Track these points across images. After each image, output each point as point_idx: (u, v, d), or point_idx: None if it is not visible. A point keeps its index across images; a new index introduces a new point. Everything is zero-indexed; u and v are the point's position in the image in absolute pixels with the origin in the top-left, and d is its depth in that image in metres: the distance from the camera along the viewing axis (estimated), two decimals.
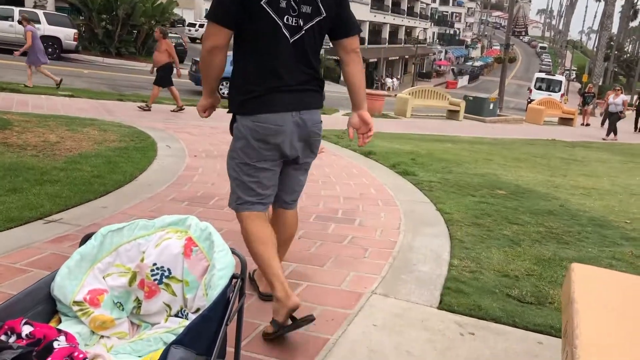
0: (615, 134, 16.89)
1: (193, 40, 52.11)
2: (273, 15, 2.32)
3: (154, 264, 1.71)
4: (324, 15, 2.45)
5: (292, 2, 2.36)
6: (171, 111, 10.98)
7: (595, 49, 54.25)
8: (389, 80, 50.10)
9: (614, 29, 65.73)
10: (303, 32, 2.40)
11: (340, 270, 3.28)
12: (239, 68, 2.44)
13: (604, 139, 16.54)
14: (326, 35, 2.58)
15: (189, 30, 53.77)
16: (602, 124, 21.26)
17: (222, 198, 4.72)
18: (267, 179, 2.53)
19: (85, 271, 1.68)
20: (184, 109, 11.16)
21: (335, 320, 2.64)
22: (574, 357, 1.39)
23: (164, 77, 10.79)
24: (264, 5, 2.29)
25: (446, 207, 5.08)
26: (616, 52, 65.54)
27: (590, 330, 1.52)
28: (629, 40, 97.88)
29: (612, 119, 17.22)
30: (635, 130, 20.58)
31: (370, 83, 50.13)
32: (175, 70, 10.96)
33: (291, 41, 2.38)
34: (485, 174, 7.26)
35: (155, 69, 10.86)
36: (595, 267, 2.02)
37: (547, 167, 8.77)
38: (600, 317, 1.61)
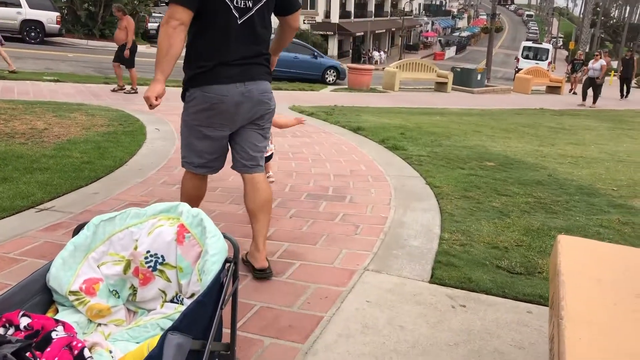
0: (595, 100, 16.62)
1: None
2: (226, 3, 2.59)
3: (148, 252, 1.73)
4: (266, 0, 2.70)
5: None
6: (112, 90, 10.62)
7: (581, 16, 54.07)
8: (376, 54, 49.77)
9: None
10: (253, 12, 2.67)
11: (332, 248, 3.32)
12: (193, 46, 2.70)
13: (579, 105, 16.36)
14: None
15: None
16: (584, 90, 21.09)
17: (214, 180, 4.72)
18: (211, 147, 2.83)
19: (79, 261, 1.70)
20: (124, 88, 10.71)
21: (329, 297, 2.68)
22: (560, 328, 1.43)
23: (127, 57, 10.50)
24: None
25: (436, 180, 5.12)
26: (602, 18, 65.41)
27: (576, 301, 1.56)
28: (614, 5, 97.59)
29: (585, 83, 16.92)
30: (621, 97, 20.38)
31: (357, 57, 49.82)
32: (126, 50, 10.52)
33: (240, 21, 2.65)
34: (474, 146, 7.30)
35: (119, 47, 10.56)
36: (581, 239, 2.07)
37: (536, 137, 8.83)
38: (585, 288, 1.65)
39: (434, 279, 2.97)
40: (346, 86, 17.24)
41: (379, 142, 7.06)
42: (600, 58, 16.61)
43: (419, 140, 7.43)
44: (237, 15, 2.63)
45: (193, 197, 2.95)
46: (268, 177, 4.66)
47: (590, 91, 16.67)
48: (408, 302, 2.70)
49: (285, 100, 11.16)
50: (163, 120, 7.48)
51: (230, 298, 1.77)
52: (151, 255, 1.73)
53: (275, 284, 2.80)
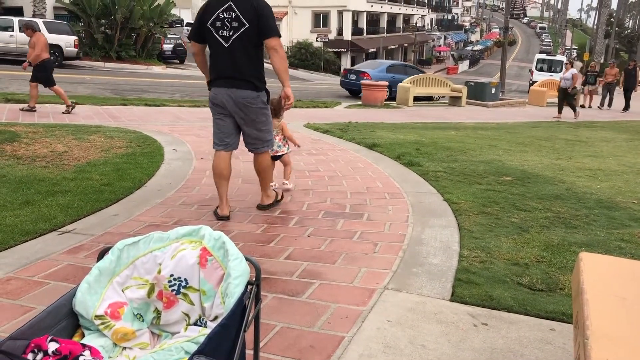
0: (574, 111, 15.75)
1: None
2: (213, 32, 3.93)
3: (171, 275, 1.75)
4: (247, 26, 3.86)
5: (225, 21, 3.88)
6: (63, 112, 9.82)
7: (595, 27, 53.83)
8: None
9: (613, 5, 65.25)
10: (234, 38, 3.89)
11: (351, 267, 3.32)
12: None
13: (554, 118, 15.51)
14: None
15: (188, 30, 53.77)
16: (602, 102, 20.31)
17: (232, 200, 4.75)
18: (223, 127, 4.21)
19: (104, 285, 1.72)
20: (34, 109, 9.73)
21: (350, 317, 2.68)
22: (586, 349, 1.42)
23: (45, 76, 9.65)
24: (209, 26, 3.93)
25: (453, 196, 5.11)
26: (616, 29, 65.03)
27: (601, 320, 1.55)
28: (629, 15, 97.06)
29: (560, 95, 15.82)
30: (603, 107, 19.65)
31: None
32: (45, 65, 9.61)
33: (226, 46, 3.92)
34: (491, 160, 7.28)
35: (33, 65, 9.51)
36: (603, 256, 2.05)
37: (552, 150, 8.77)
38: (610, 306, 1.64)
39: (455, 297, 2.95)
40: (360, 102, 17.30)
41: (394, 159, 7.07)
42: (572, 67, 15.92)
43: (434, 155, 7.42)
44: (223, 42, 3.92)
45: (217, 174, 4.26)
46: (283, 184, 4.92)
47: (597, 98, 16.42)
48: (429, 321, 2.69)
49: (300, 118, 11.23)
50: (180, 141, 7.56)
51: (253, 320, 1.78)
52: (175, 279, 1.75)
53: (295, 304, 2.80)
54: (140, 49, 28.86)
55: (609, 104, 19.67)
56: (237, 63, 3.91)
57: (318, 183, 5.54)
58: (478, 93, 19.44)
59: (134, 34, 28.49)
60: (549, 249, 3.74)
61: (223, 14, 3.87)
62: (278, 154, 4.86)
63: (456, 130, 11.05)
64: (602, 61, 40.53)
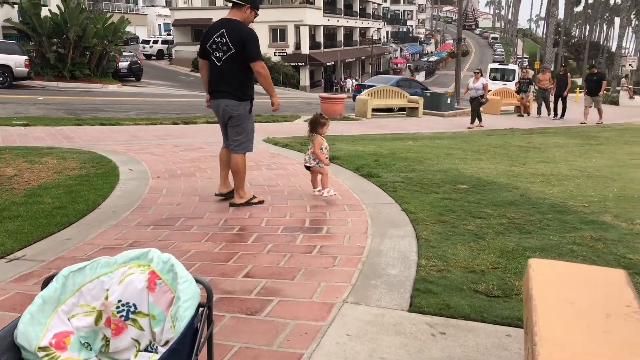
0: (480, 120, 15.62)
1: (148, 57, 51.55)
2: (210, 53, 4.87)
3: (119, 301, 1.70)
4: (234, 50, 4.76)
5: (219, 45, 4.80)
6: None
7: (544, 36, 55.67)
8: (348, 82, 50.41)
9: (560, 15, 67.69)
10: (222, 61, 4.82)
11: (310, 282, 3.30)
12: None
13: (469, 127, 15.21)
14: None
15: (144, 48, 53.18)
16: (538, 109, 19.68)
17: (189, 218, 4.70)
18: (221, 129, 5.27)
19: (49, 315, 1.66)
20: None
21: (309, 333, 2.66)
22: (534, 354, 1.45)
23: None
24: (207, 47, 4.88)
25: (411, 206, 5.16)
26: (564, 38, 67.40)
27: (549, 325, 1.58)
28: (575, 24, 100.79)
29: (473, 104, 15.67)
30: (554, 116, 18.85)
31: (329, 86, 50.37)
32: None
33: (218, 65, 4.86)
34: (447, 169, 7.40)
35: None
36: (551, 261, 2.10)
37: (507, 157, 8.98)
38: (557, 311, 1.67)
39: (413, 308, 2.97)
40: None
41: (353, 171, 7.10)
42: (481, 76, 15.74)
43: (393, 166, 7.50)
44: (216, 62, 4.86)
45: (223, 161, 5.28)
46: (319, 192, 5.58)
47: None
48: (388, 333, 2.69)
49: (259, 132, 11.10)
50: (136, 160, 7.43)
51: (205, 343, 1.75)
52: (123, 305, 1.70)
53: (253, 322, 2.77)
54: (94, 68, 28.36)
55: (548, 110, 19.32)
56: (225, 79, 4.86)
57: (277, 198, 5.51)
58: (434, 103, 19.78)
59: (87, 53, 27.98)
60: (504, 255, 3.81)
61: (218, 39, 4.78)
62: (306, 165, 5.58)
63: (414, 141, 11.20)
64: (552, 69, 41.87)
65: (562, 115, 18.69)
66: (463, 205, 5.25)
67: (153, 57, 52.46)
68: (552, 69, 42.83)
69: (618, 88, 38.65)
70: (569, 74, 18.82)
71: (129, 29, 36.34)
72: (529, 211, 5.10)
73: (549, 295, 1.76)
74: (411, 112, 19.21)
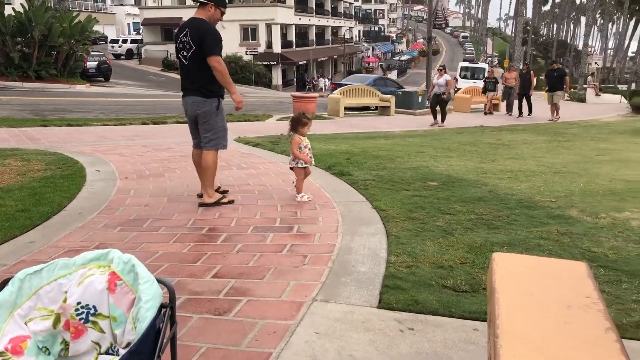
0: (443, 119, 15.34)
1: (117, 57, 50.78)
2: (178, 52, 5.01)
3: (78, 303, 1.66)
4: (194, 48, 4.82)
5: (184, 44, 4.87)
6: None
7: (513, 35, 56.56)
8: (320, 81, 50.45)
9: (529, 14, 68.88)
10: (187, 59, 4.91)
11: (280, 281, 3.29)
12: None
13: (432, 125, 15.10)
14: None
15: (113, 47, 52.37)
16: (432, 108, 17.99)
17: (157, 219, 4.63)
18: (189, 128, 5.27)
19: (4, 319, 1.61)
20: None
21: (277, 332, 2.64)
22: (496, 347, 1.46)
23: None
24: (177, 47, 4.99)
25: (382, 204, 5.18)
26: (533, 36, 68.61)
27: (511, 318, 1.60)
28: (543, 23, 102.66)
29: (434, 101, 15.40)
30: (519, 114, 18.78)
31: (302, 85, 50.35)
32: None
33: (185, 64, 4.96)
34: (418, 166, 7.45)
35: None
36: (514, 255, 2.13)
37: (476, 154, 9.08)
38: (519, 303, 1.69)
39: (382, 304, 2.98)
40: (292, 114, 17.33)
41: (325, 169, 7.09)
42: (445, 73, 15.34)
43: (364, 164, 7.52)
44: (183, 60, 4.96)
45: (196, 164, 5.27)
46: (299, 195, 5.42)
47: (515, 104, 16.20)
48: (357, 330, 2.69)
49: (230, 132, 11.07)
50: (104, 161, 7.30)
51: (168, 344, 1.72)
52: (82, 307, 1.66)
53: (222, 323, 2.74)
54: (61, 68, 27.79)
55: (514, 109, 19.27)
56: (191, 76, 4.95)
57: (248, 197, 5.48)
58: (406, 102, 19.90)
59: (54, 52, 27.40)
60: (472, 251, 3.85)
61: (183, 38, 4.88)
62: (289, 166, 5.50)
63: (386, 139, 11.26)
64: (520, 67, 42.57)
65: (530, 112, 18.77)
66: (433, 202, 5.29)
67: (122, 57, 51.68)
68: (520, 66, 43.56)
69: (585, 86, 39.52)
70: (532, 72, 18.86)
71: (97, 28, 35.78)
72: (497, 207, 5.17)
73: (511, 288, 1.78)
74: (383, 110, 19.30)
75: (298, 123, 5.39)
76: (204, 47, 4.78)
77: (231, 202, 5.23)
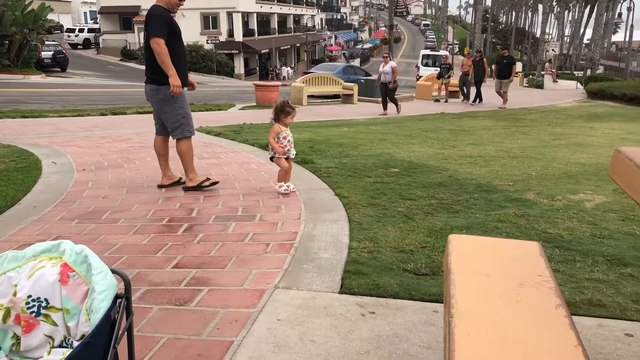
0: (397, 107, 14.85)
1: (74, 46, 49.41)
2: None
3: (29, 296, 1.61)
4: (145, 33, 4.82)
5: (144, 32, 4.86)
6: None
7: (473, 23, 57.32)
8: (283, 70, 50.19)
9: (488, 2, 69.81)
10: (143, 45, 4.91)
11: (242, 270, 3.27)
12: None
13: (380, 115, 14.59)
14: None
15: (69, 37, 50.95)
16: (382, 98, 17.42)
17: (116, 211, 4.55)
18: (154, 115, 5.24)
19: None
20: None
21: (239, 321, 2.63)
22: (450, 326, 1.48)
23: None
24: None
25: (344, 191, 5.20)
26: (492, 24, 69.65)
27: (465, 297, 1.63)
28: (502, 11, 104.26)
29: (382, 90, 14.99)
30: (470, 101, 18.78)
31: (265, 74, 49.99)
32: None
33: (145, 52, 4.95)
34: (380, 154, 7.50)
35: None
36: (470, 236, 2.17)
37: (437, 141, 9.20)
38: (474, 283, 1.73)
39: (344, 289, 3.00)
40: (255, 104, 17.21)
41: None
42: (390, 60, 14.87)
43: (327, 152, 7.53)
44: (144, 48, 4.93)
45: (157, 152, 5.29)
46: (279, 186, 5.22)
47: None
48: (319, 316, 2.71)
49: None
50: (61, 153, 7.12)
51: (126, 334, 1.69)
52: (33, 300, 1.62)
53: (182, 313, 2.71)
54: (14, 58, 26.90)
55: (467, 96, 19.26)
56: (147, 63, 4.95)
57: (209, 187, 5.42)
58: (368, 90, 20.01)
59: (6, 42, 26.47)
60: (432, 234, 3.91)
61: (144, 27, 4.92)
62: (270, 156, 5.30)
63: (349, 127, 11.29)
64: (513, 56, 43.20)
65: (480, 100, 18.63)
66: (394, 188, 5.34)
67: (79, 47, 50.33)
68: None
69: (543, 72, 40.42)
70: (484, 60, 19.05)
71: (51, 16, 34.75)
72: (456, 191, 5.26)
73: (466, 268, 1.81)
74: (346, 99, 19.36)
75: (281, 112, 5.13)
76: (147, 30, 4.79)
77: (215, 183, 5.31)
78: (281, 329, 2.57)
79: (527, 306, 1.60)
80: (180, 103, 4.99)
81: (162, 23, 4.77)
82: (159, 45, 4.71)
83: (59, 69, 32.31)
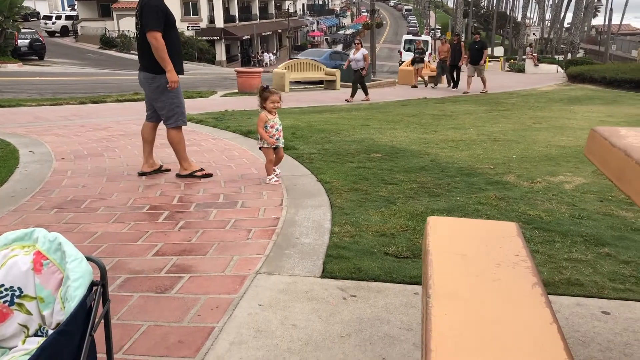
0: (366, 92, 14.54)
1: (52, 34, 48.53)
2: (136, 27, 4.99)
3: (2, 285, 1.59)
4: (140, 23, 4.81)
5: (136, 19, 4.91)
6: None
7: (454, 7, 57.31)
8: (265, 56, 49.83)
9: None
10: (139, 35, 4.89)
11: (223, 256, 3.26)
12: None
13: (347, 100, 14.24)
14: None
15: (46, 24, 50.02)
16: (447, 80, 18.84)
17: (95, 200, 4.49)
18: (145, 101, 5.21)
19: None
20: None
21: (220, 307, 2.63)
22: (428, 306, 1.49)
23: None
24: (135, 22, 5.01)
25: (326, 176, 5.20)
26: (474, 8, 69.69)
27: (442, 278, 1.64)
28: None
29: (354, 77, 14.62)
30: (449, 86, 18.58)
31: (247, 61, 49.61)
32: None
33: (139, 38, 4.91)
34: (363, 139, 7.50)
35: None
36: (448, 218, 2.17)
37: (420, 125, 9.22)
38: (451, 264, 1.73)
39: (326, 273, 3.00)
40: (237, 91, 17.08)
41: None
42: (361, 47, 14.59)
43: (309, 138, 7.51)
44: (139, 36, 4.90)
45: (143, 138, 5.26)
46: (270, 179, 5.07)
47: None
48: (300, 300, 2.71)
49: None
50: (39, 142, 7.00)
51: (103, 321, 1.68)
52: (6, 289, 1.59)
53: (163, 300, 2.70)
54: None
55: (448, 81, 19.02)
56: (141, 52, 4.94)
57: (202, 177, 5.37)
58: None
59: None
60: (413, 218, 3.93)
61: (137, 13, 4.91)
62: (258, 147, 5.16)
63: (331, 113, 11.26)
64: (463, 39, 43.23)
65: (455, 85, 18.37)
66: (376, 173, 5.35)
67: (57, 34, 49.44)
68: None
69: (524, 56, 40.56)
70: (462, 43, 18.87)
71: (27, 3, 34.04)
72: (438, 175, 5.28)
73: (444, 249, 1.82)
74: (329, 85, 19.29)
75: (261, 98, 5.03)
76: (143, 22, 4.76)
77: (208, 175, 5.25)
78: (262, 314, 2.57)
79: (504, 285, 1.61)
80: (176, 92, 5.01)
81: (159, 15, 4.75)
82: (157, 40, 4.71)
83: (37, 57, 31.74)
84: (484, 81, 17.47)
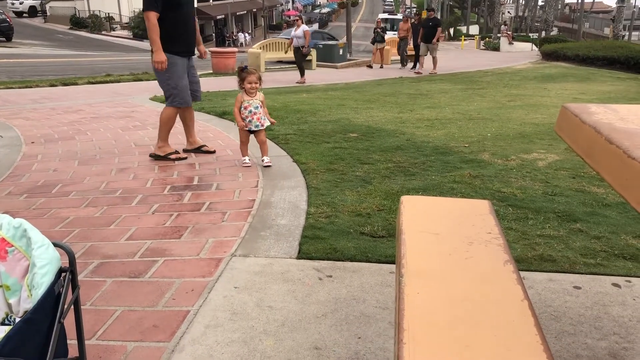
0: (302, 74, 14.13)
1: (19, 14, 47.19)
2: None
3: None
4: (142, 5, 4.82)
5: None
6: None
7: None
8: (240, 36, 49.18)
9: None
10: None
11: (198, 239, 3.23)
12: None
13: (298, 82, 13.77)
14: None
15: (13, 4, 48.57)
16: (297, 65, 15.18)
17: (67, 184, 4.41)
18: None
19: None
20: None
21: (195, 290, 2.61)
22: (400, 286, 1.49)
23: None
24: None
25: (302, 157, 5.17)
26: None
27: (415, 257, 1.64)
28: None
29: (297, 56, 14.29)
30: (405, 66, 18.54)
31: (222, 41, 48.92)
32: None
33: None
34: (339, 119, 7.47)
35: None
36: (422, 197, 2.18)
37: (396, 105, 9.22)
38: (424, 243, 1.74)
39: (301, 254, 3.00)
40: (211, 71, 16.86)
41: None
42: (302, 24, 14.18)
43: (285, 119, 7.46)
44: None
45: (180, 119, 5.44)
46: (262, 161, 4.99)
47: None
48: (276, 281, 2.70)
49: (146, 91, 10.68)
50: (7, 126, 6.84)
51: (71, 309, 1.65)
52: None
53: (136, 285, 2.67)
54: None
55: (403, 60, 18.75)
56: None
57: (176, 160, 5.30)
58: (327, 55, 19.84)
59: None
60: (389, 197, 3.94)
61: None
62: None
63: (307, 93, 11.20)
64: (438, 17, 43.14)
65: (414, 66, 17.67)
66: (352, 153, 5.34)
67: (25, 15, 48.08)
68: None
69: (499, 35, 40.75)
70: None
71: None
72: (413, 154, 5.29)
73: (417, 228, 1.82)
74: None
75: (239, 77, 4.89)
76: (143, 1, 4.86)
77: (182, 159, 5.26)
78: (238, 297, 2.56)
79: (476, 263, 1.62)
80: (170, 74, 5.00)
81: None
82: (149, 20, 4.80)
83: (4, 39, 30.88)
84: (434, 61, 16.61)
